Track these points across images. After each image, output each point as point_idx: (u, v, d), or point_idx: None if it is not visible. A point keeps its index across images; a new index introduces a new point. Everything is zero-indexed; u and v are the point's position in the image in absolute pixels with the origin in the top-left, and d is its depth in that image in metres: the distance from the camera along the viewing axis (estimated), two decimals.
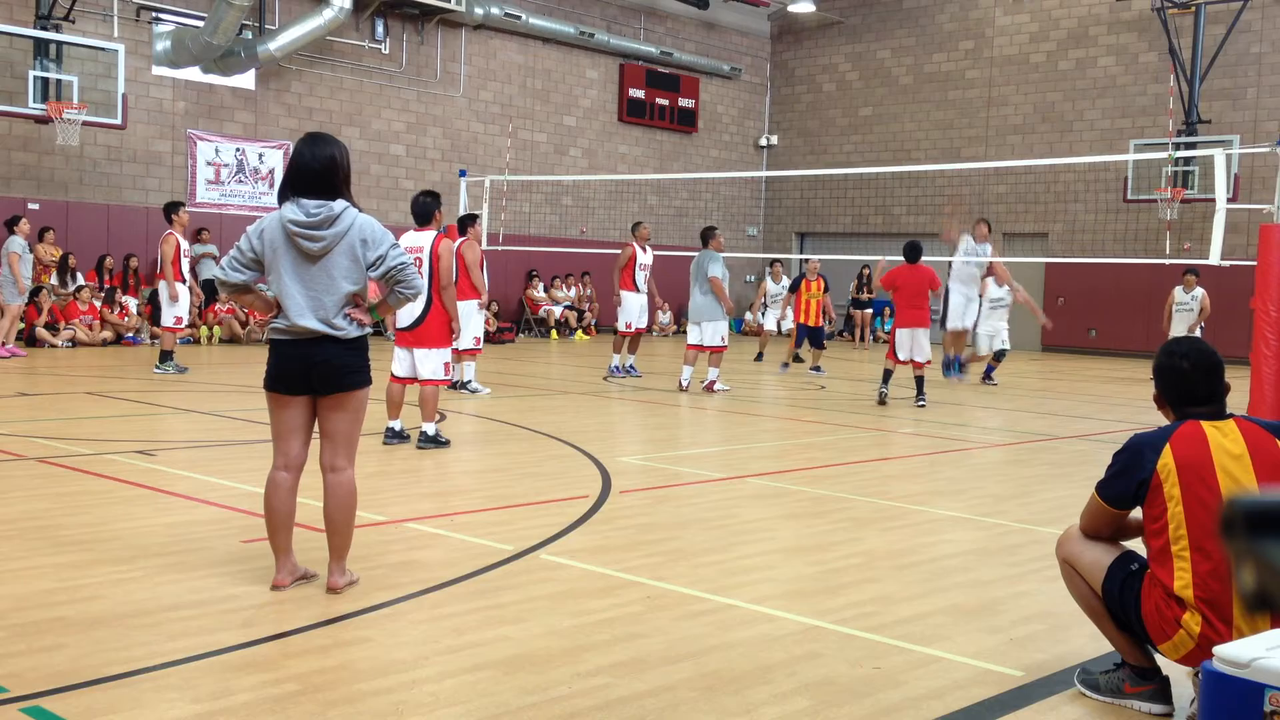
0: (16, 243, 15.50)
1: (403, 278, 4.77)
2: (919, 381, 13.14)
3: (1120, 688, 3.85)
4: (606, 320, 26.27)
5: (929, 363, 13.20)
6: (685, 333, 15.15)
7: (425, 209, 8.98)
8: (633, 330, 15.13)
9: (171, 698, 3.57)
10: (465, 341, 12.07)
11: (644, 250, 15.15)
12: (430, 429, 8.94)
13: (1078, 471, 8.92)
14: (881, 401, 12.99)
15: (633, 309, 15.07)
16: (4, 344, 15.38)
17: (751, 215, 30.57)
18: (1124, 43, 24.94)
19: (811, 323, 17.77)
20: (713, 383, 13.77)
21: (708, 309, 13.77)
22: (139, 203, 20.06)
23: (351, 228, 4.71)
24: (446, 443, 9.03)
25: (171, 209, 14.21)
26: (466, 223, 12.18)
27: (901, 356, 13.00)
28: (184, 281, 14.23)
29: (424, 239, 8.90)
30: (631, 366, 15.36)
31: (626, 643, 4.26)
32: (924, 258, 13.34)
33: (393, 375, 9.05)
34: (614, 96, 27.35)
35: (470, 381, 12.71)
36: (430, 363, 8.90)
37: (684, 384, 13.87)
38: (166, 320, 14.25)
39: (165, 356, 13.98)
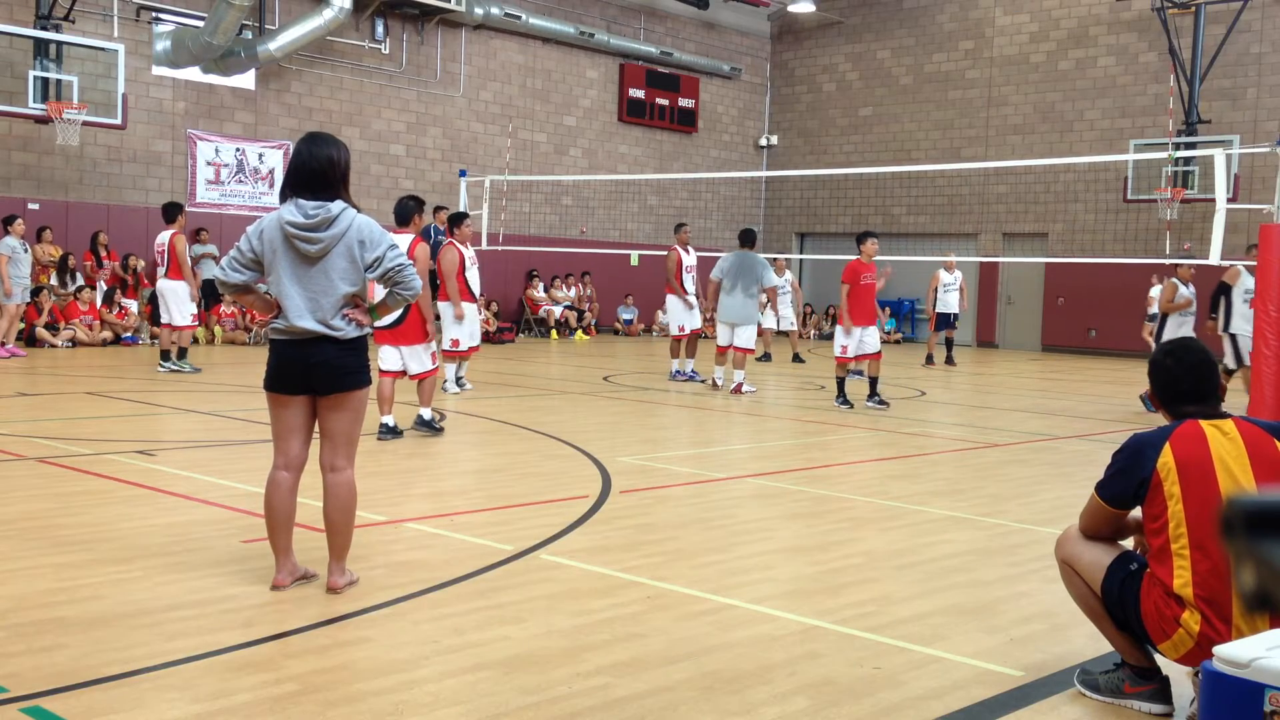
0: (7, 244, 15.45)
1: (401, 278, 4.77)
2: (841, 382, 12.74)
3: (1120, 688, 3.85)
4: (606, 321, 26.31)
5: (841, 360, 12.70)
6: (704, 334, 15.16)
7: (406, 211, 9.35)
8: (686, 333, 15.02)
9: (171, 698, 3.57)
10: (464, 342, 12.05)
11: (687, 252, 15.11)
12: (426, 414, 9.45)
13: (1078, 471, 8.92)
14: (882, 404, 12.76)
15: (682, 312, 15.00)
16: (3, 344, 15.38)
17: (751, 215, 30.56)
18: (1124, 43, 24.94)
19: None
20: (740, 385, 13.74)
21: (746, 311, 13.78)
22: (139, 203, 20.06)
23: (349, 229, 4.70)
24: (440, 430, 9.41)
25: (177, 210, 14.25)
26: (454, 223, 11.87)
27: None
28: (191, 280, 14.33)
29: (402, 241, 9.04)
30: (693, 372, 15.11)
31: (626, 643, 4.26)
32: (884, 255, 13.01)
33: (382, 370, 9.32)
34: (614, 96, 27.35)
35: (447, 381, 12.47)
36: (417, 359, 9.43)
37: (718, 382, 14.04)
38: (184, 319, 14.29)
39: (182, 353, 14.19)
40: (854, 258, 12.74)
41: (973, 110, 27.04)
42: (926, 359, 19.90)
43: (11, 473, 7.32)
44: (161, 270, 14.25)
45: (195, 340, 18.77)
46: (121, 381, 12.92)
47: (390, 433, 9.17)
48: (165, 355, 14.19)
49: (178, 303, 14.16)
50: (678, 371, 15.09)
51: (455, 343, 12.07)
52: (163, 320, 14.41)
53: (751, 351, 14.04)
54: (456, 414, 10.94)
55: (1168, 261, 18.49)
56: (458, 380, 12.68)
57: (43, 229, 18.17)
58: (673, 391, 13.91)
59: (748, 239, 14.11)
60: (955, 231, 27.20)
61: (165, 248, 14.15)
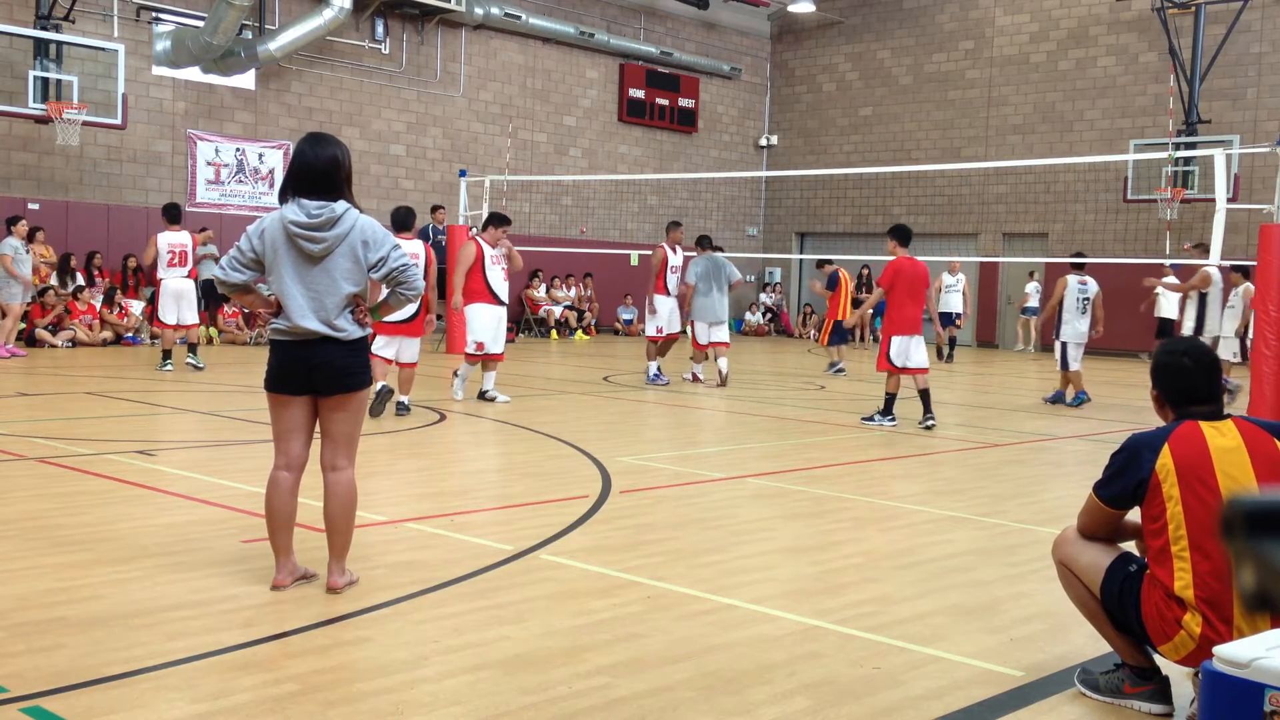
0: (9, 244, 15.44)
1: (404, 279, 4.77)
2: (925, 395, 11.18)
3: (1120, 688, 3.85)
4: (606, 321, 26.30)
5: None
6: (685, 333, 15.12)
7: (407, 218, 10.68)
8: (663, 335, 14.66)
9: (171, 698, 3.57)
10: (489, 345, 11.59)
11: (674, 252, 14.79)
12: (405, 400, 10.68)
13: (1078, 471, 8.92)
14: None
15: (663, 313, 14.65)
16: (5, 344, 15.37)
17: (751, 215, 30.57)
18: (1124, 43, 24.94)
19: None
20: (727, 374, 14.53)
21: (724, 309, 14.64)
22: (139, 203, 20.05)
23: (353, 229, 4.70)
24: (408, 410, 10.62)
25: (180, 210, 14.59)
26: (488, 223, 11.68)
27: (898, 363, 11.07)
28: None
29: (411, 245, 10.27)
30: (659, 372, 14.68)
31: (626, 643, 4.26)
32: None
33: (381, 356, 10.40)
34: (614, 96, 27.35)
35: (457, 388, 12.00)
36: (411, 349, 10.66)
37: (700, 376, 14.56)
38: (194, 317, 14.62)
39: (193, 349, 14.53)
40: (858, 258, 12.59)
41: (973, 110, 27.04)
42: (941, 355, 20.59)
43: (11, 473, 7.32)
44: (183, 271, 14.18)
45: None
46: (121, 381, 12.92)
47: (385, 396, 10.28)
48: (193, 349, 14.51)
49: (192, 302, 14.41)
50: (656, 374, 14.56)
51: (480, 345, 11.57)
52: (175, 320, 14.23)
53: (728, 344, 14.78)
54: (457, 414, 10.94)
55: (1168, 262, 18.54)
56: (482, 393, 11.85)
57: (35, 229, 18.09)
58: (672, 392, 13.90)
59: (710, 242, 15.00)
60: (955, 231, 27.20)
61: (189, 248, 14.26)
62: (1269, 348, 11.14)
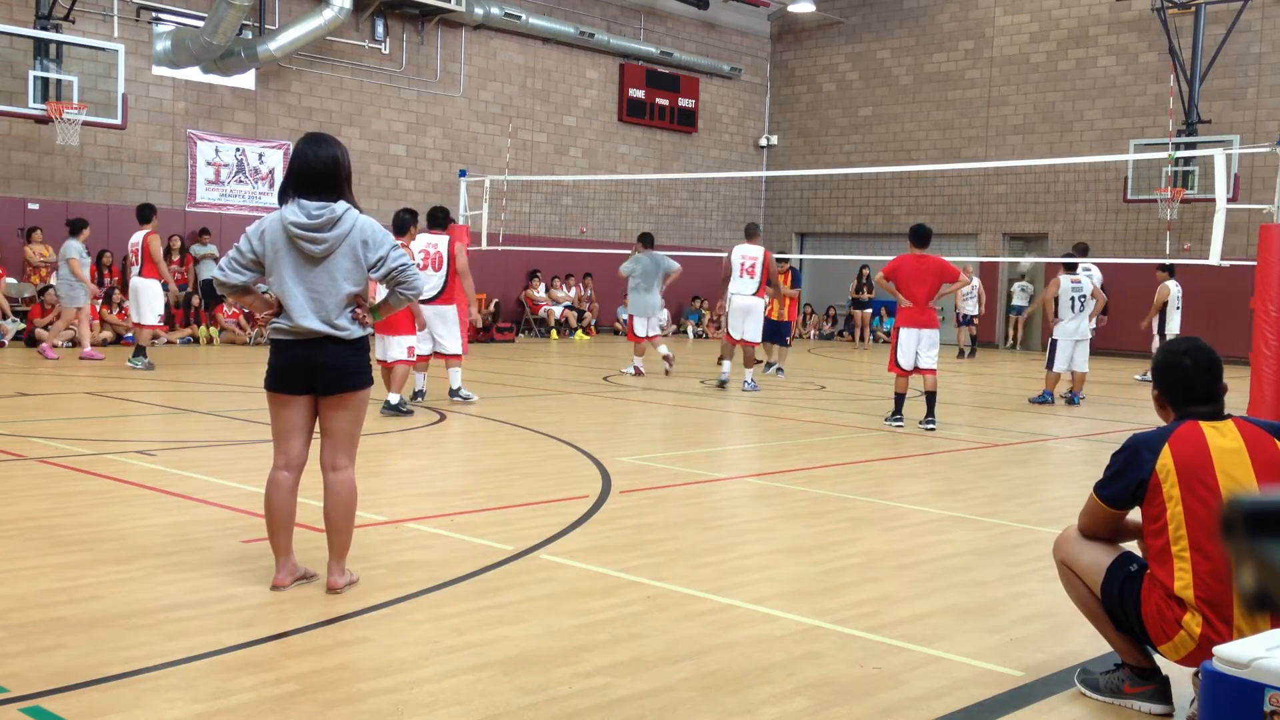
0: (73, 247, 15.33)
1: (404, 278, 4.77)
2: (929, 398, 11.04)
3: (1120, 688, 3.85)
4: (606, 321, 26.30)
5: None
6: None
7: (403, 223, 10.63)
8: (739, 340, 14.19)
9: (171, 698, 3.57)
10: (451, 346, 11.33)
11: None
12: (394, 399, 10.44)
13: (1078, 471, 8.92)
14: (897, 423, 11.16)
15: (763, 318, 14.40)
16: (87, 346, 15.44)
17: (751, 215, 30.55)
18: (1124, 43, 24.95)
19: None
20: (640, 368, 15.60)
21: (659, 303, 15.75)
22: (139, 203, 20.02)
23: (353, 229, 4.71)
24: (410, 412, 10.50)
25: (152, 211, 14.77)
26: (446, 220, 11.41)
27: (905, 365, 11.02)
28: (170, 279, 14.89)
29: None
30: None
31: (626, 643, 4.26)
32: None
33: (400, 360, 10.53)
34: (614, 96, 27.35)
35: (462, 388, 11.75)
36: (397, 346, 10.45)
37: (641, 370, 15.61)
38: (153, 318, 14.66)
39: (140, 351, 14.47)
40: (857, 258, 12.66)
41: (973, 110, 27.03)
42: (963, 354, 22.67)
43: (11, 473, 7.32)
44: (136, 269, 14.42)
45: (193, 340, 18.88)
46: (121, 381, 12.92)
47: (394, 410, 10.38)
48: (139, 351, 14.43)
49: (149, 301, 14.45)
50: (749, 381, 14.12)
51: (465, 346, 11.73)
52: (133, 318, 14.65)
53: (656, 338, 15.72)
54: (457, 414, 10.94)
55: (1167, 261, 18.53)
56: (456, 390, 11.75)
57: (33, 229, 18.13)
58: (672, 392, 13.90)
59: (651, 240, 15.95)
60: (955, 231, 27.19)
61: (139, 246, 14.42)
62: (1269, 347, 11.13)
